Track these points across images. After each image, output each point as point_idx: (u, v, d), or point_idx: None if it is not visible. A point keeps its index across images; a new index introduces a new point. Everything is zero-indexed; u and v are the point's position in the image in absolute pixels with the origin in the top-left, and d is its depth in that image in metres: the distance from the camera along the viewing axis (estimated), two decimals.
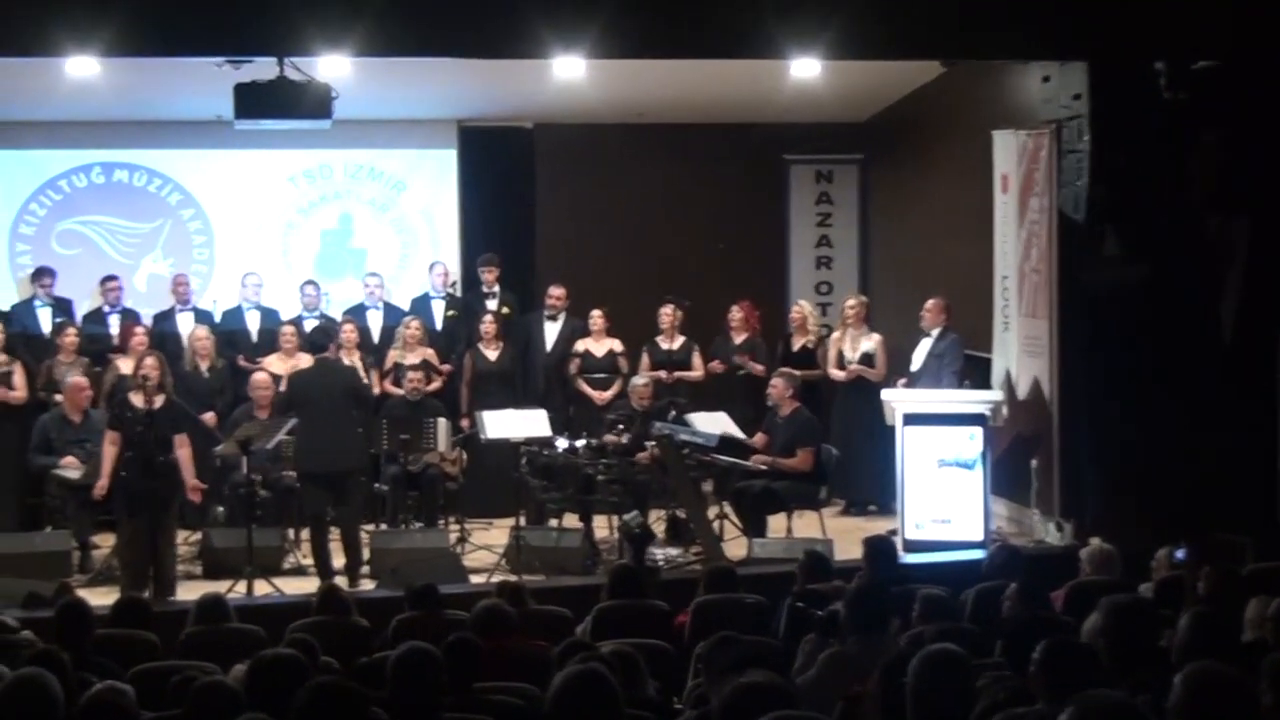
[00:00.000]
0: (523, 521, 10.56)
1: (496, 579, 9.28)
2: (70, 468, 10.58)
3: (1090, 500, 10.26)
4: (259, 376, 11.25)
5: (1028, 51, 10.04)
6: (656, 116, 13.26)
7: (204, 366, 11.78)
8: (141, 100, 12.14)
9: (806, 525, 10.81)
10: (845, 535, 10.42)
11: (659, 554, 10.25)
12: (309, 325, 11.99)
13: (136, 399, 9.55)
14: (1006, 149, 11.05)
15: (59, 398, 11.09)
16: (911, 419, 10.50)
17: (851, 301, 12.22)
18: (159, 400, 9.48)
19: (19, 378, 11.36)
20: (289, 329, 11.94)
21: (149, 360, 9.67)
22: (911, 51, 10.27)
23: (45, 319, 12.13)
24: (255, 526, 9.83)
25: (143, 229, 13.15)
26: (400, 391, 11.70)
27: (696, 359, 12.35)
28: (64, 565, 10.06)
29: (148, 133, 12.93)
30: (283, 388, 10.87)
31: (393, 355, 12.08)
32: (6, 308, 12.30)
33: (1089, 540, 8.52)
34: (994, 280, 11.28)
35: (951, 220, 12.36)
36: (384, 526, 11.09)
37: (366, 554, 10.24)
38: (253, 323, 12.49)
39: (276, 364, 11.68)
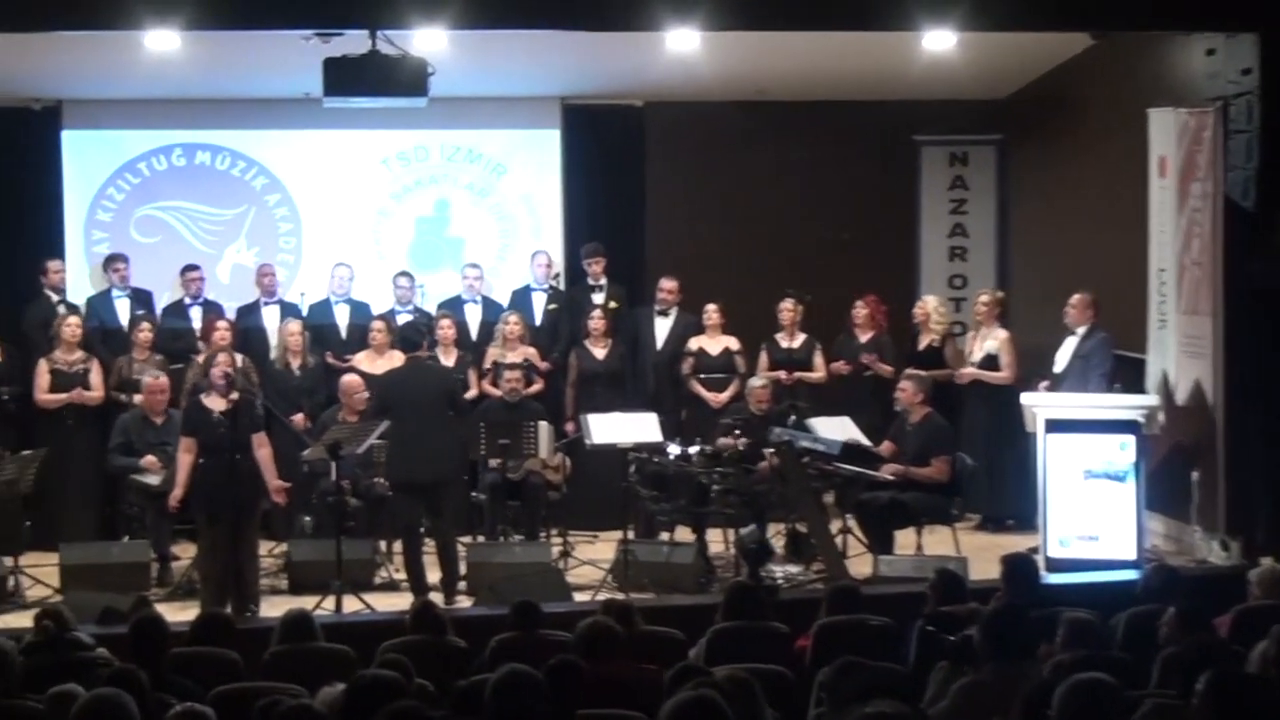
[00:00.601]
0: (631, 535, 10.54)
1: (602, 597, 9.31)
2: (151, 470, 10.75)
3: (1260, 516, 10.09)
4: (351, 379, 11.35)
5: (1191, 22, 9.88)
6: (777, 93, 13.22)
7: (295, 364, 11.94)
8: (225, 77, 12.29)
9: (938, 541, 10.75)
10: (981, 553, 10.34)
11: (778, 571, 10.21)
12: (402, 320, 12.11)
13: (211, 401, 9.65)
14: (1165, 129, 10.89)
15: (138, 398, 11.28)
16: (1055, 425, 10.35)
17: (984, 298, 12.17)
18: (234, 397, 9.57)
19: (96, 377, 11.62)
20: (379, 324, 12.03)
21: (221, 356, 9.79)
22: (1057, 22, 10.17)
23: (124, 311, 12.39)
24: (344, 538, 9.89)
25: (226, 215, 13.31)
26: (498, 393, 11.73)
27: (818, 359, 12.32)
28: (142, 577, 10.24)
29: (231, 112, 13.07)
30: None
31: (491, 353, 12.13)
32: (83, 300, 12.58)
33: (1259, 560, 8.42)
34: (1149, 274, 11.14)
35: (1101, 207, 12.21)
36: (481, 539, 11.14)
37: (463, 568, 10.28)
38: (341, 317, 12.62)
39: (365, 362, 11.82)
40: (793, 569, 10.45)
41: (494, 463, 11.11)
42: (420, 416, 10.01)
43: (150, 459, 10.78)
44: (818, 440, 10.56)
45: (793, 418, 11.02)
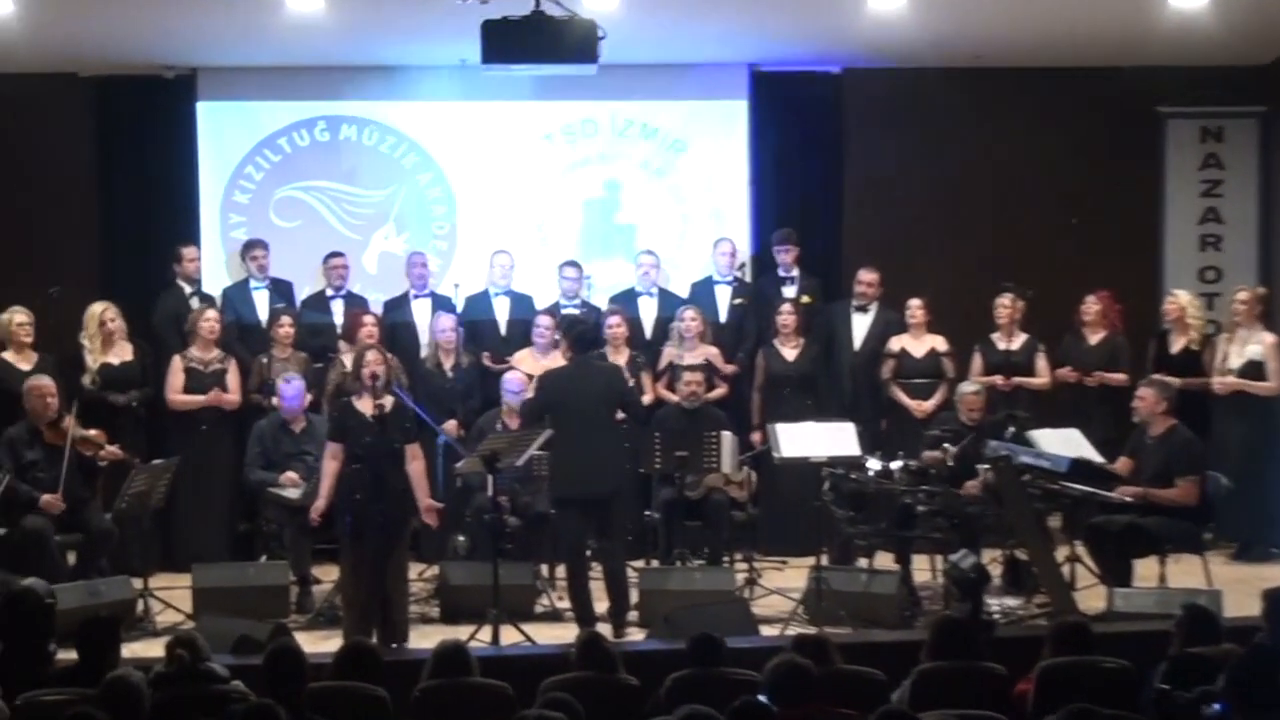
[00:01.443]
0: (825, 561, 10.50)
1: (793, 631, 9.27)
2: (290, 485, 10.89)
3: None
4: (515, 376, 11.37)
5: None
6: (995, 59, 13.12)
7: (447, 365, 12.05)
8: (373, 42, 12.43)
9: (1185, 572, 10.59)
10: (1237, 586, 10.18)
11: (994, 604, 10.10)
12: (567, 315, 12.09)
13: (362, 404, 9.72)
14: None
15: (275, 401, 11.43)
16: None
17: (1242, 295, 12.01)
18: (388, 402, 9.59)
19: (233, 378, 11.85)
20: (545, 320, 12.09)
21: (371, 354, 9.82)
22: None
23: (262, 303, 12.58)
24: (502, 561, 9.91)
25: (374, 197, 13.46)
26: (675, 398, 11.75)
27: (1041, 362, 12.22)
28: (280, 602, 10.42)
29: (380, 81, 13.18)
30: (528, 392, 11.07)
31: (668, 353, 12.18)
32: (218, 291, 12.81)
33: None
34: None
35: None
36: (655, 564, 11.19)
37: (635, 597, 10.30)
38: (501, 312, 12.71)
39: (528, 362, 11.90)
40: (1011, 602, 10.30)
41: (671, 476, 11.08)
42: (586, 422, 10.00)
43: (289, 475, 10.91)
44: (1041, 455, 10.38)
45: (1011, 429, 10.85)
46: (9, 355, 11.51)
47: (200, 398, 11.70)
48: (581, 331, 10.56)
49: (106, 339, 11.70)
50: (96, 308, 11.78)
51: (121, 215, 13.29)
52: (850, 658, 7.73)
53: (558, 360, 11.24)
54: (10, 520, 10.36)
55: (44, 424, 10.69)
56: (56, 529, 10.38)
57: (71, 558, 10.67)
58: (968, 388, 11.47)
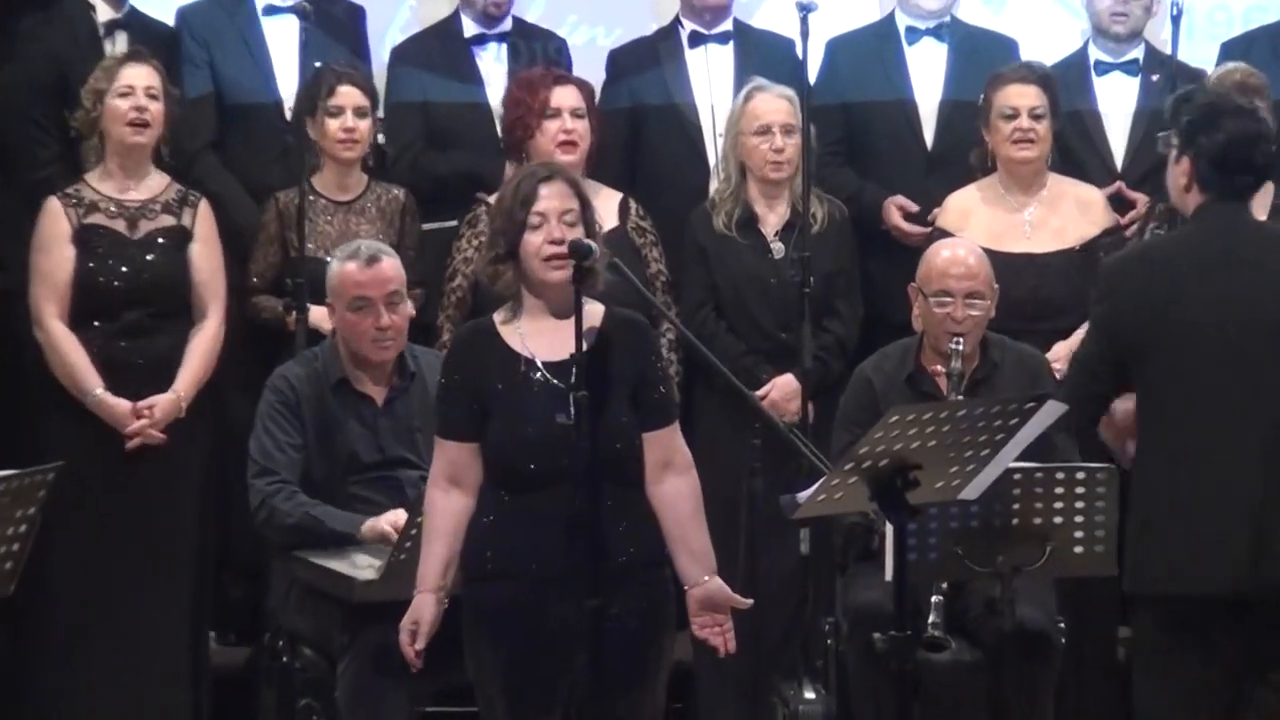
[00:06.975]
0: None
1: None
2: (369, 545, 9.58)
3: None
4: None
5: None
6: None
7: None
8: None
9: None
10: None
11: None
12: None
13: (518, 329, 8.57)
14: None
15: (319, 316, 10.46)
16: None
17: None
18: (598, 317, 8.57)
19: (207, 253, 10.69)
20: None
21: (553, 191, 8.56)
22: None
23: (285, 55, 11.20)
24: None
25: None
26: None
27: None
28: None
29: None
30: None
31: None
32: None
33: None
34: None
35: None
36: None
37: None
38: None
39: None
40: None
41: None
42: (1239, 388, 8.31)
43: (384, 522, 9.43)
44: None
45: None
46: None
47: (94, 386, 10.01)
48: (1212, 140, 8.67)
49: None
50: None
51: None
52: None
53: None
54: None
55: None
56: None
57: None
58: None
